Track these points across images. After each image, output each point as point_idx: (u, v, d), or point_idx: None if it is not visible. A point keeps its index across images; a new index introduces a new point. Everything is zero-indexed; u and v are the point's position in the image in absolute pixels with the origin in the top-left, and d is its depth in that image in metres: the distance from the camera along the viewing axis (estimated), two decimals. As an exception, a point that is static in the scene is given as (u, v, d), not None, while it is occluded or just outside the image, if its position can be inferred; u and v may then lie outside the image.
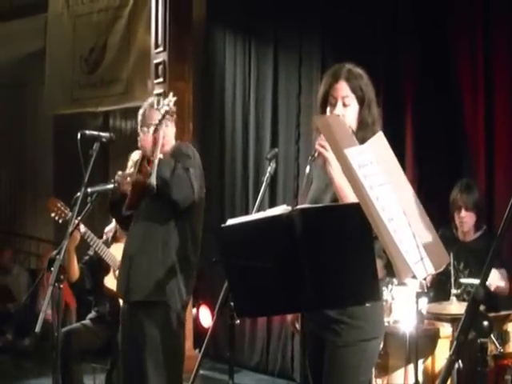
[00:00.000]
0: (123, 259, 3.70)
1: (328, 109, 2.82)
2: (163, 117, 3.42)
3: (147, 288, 3.53)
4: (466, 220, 4.31)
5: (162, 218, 3.54)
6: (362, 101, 2.80)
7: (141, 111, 3.72)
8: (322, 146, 2.62)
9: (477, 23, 5.04)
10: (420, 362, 3.93)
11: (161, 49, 6.46)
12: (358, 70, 2.85)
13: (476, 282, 3.99)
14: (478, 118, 5.02)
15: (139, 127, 3.71)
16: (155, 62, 6.51)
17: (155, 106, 3.53)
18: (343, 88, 2.79)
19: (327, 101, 2.83)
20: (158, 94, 6.32)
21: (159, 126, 3.42)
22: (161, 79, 6.44)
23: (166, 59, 6.42)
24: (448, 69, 5.18)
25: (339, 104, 2.79)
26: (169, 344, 3.54)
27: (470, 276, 4.28)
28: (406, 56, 5.43)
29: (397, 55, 5.48)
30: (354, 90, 2.80)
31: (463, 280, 4.07)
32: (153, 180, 3.35)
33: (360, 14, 5.66)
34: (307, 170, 2.69)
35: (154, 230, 3.55)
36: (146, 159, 3.62)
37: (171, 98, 3.47)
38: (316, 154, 2.67)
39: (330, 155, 2.61)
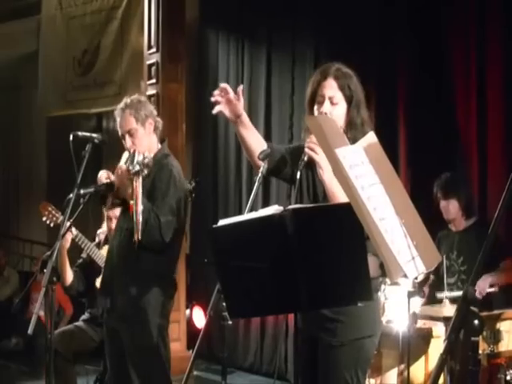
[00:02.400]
0: (104, 272, 3.69)
1: (315, 107, 2.82)
2: (137, 173, 3.33)
3: (129, 306, 3.50)
4: (446, 209, 4.40)
5: None
6: (350, 100, 2.79)
7: (117, 117, 3.66)
8: (312, 149, 2.61)
9: (470, 22, 5.05)
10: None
11: (154, 50, 6.46)
12: (348, 70, 2.84)
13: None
14: (470, 117, 5.03)
15: (120, 134, 3.67)
16: (148, 63, 6.51)
17: (129, 163, 3.43)
18: (331, 86, 2.78)
19: (315, 100, 2.83)
20: (151, 95, 6.33)
21: (135, 178, 3.34)
22: (154, 80, 6.44)
23: (158, 60, 6.42)
24: (441, 68, 5.19)
25: (326, 102, 2.77)
26: (154, 356, 3.52)
27: (463, 264, 4.33)
28: (399, 56, 5.44)
29: (390, 56, 5.49)
30: (342, 89, 2.78)
31: (448, 294, 4.07)
32: (136, 236, 3.32)
33: (353, 15, 5.67)
34: (298, 175, 2.68)
35: (132, 247, 3.48)
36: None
37: (147, 155, 3.40)
38: (306, 158, 2.66)
39: (320, 158, 2.61)
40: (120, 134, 3.66)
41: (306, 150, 2.63)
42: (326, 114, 2.75)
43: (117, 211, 3.89)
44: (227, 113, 2.80)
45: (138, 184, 3.33)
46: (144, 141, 3.60)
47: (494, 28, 4.93)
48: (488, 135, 4.93)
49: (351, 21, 5.68)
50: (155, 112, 3.73)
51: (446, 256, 4.24)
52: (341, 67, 2.83)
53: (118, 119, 3.65)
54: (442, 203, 4.43)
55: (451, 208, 4.42)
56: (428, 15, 5.26)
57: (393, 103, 5.42)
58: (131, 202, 3.37)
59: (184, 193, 3.62)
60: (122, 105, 3.66)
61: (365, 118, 2.81)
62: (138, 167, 3.34)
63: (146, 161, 3.35)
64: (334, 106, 2.77)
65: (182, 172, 3.72)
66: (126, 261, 3.53)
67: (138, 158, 3.38)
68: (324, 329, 2.73)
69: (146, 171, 3.36)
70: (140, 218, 3.30)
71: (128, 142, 3.59)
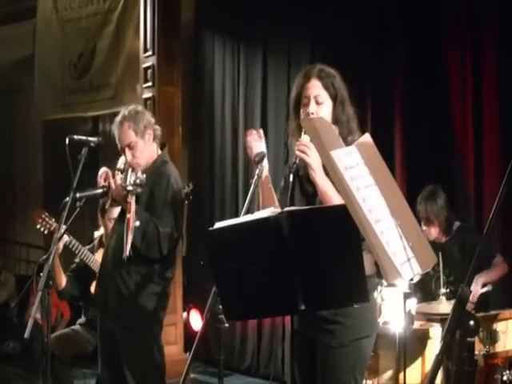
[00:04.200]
0: (99, 278, 3.69)
1: (301, 109, 2.83)
2: (131, 191, 3.34)
3: (125, 312, 3.50)
4: (428, 233, 4.41)
5: None
6: (334, 98, 2.80)
7: (115, 131, 3.64)
8: (302, 151, 2.62)
9: (465, 25, 5.08)
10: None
11: (150, 53, 6.46)
12: (330, 70, 2.85)
13: None
14: (466, 119, 5.05)
15: (119, 147, 3.66)
16: (144, 66, 6.51)
17: (122, 180, 3.44)
18: (315, 86, 2.79)
19: (300, 102, 2.84)
20: (147, 99, 6.34)
21: (130, 195, 3.34)
22: (150, 83, 6.43)
23: (154, 63, 6.42)
24: (437, 72, 5.20)
25: (312, 102, 2.78)
26: (148, 361, 3.53)
27: (449, 275, 4.35)
28: (395, 60, 5.45)
29: (386, 59, 5.50)
30: (326, 87, 2.80)
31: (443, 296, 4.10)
32: (127, 251, 3.33)
33: (349, 17, 5.68)
34: (290, 178, 2.69)
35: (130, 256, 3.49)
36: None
37: (140, 176, 3.39)
38: (297, 161, 2.67)
39: (311, 160, 2.62)
40: (119, 147, 3.62)
41: (297, 152, 2.64)
42: (312, 114, 2.77)
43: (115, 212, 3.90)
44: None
45: (132, 201, 3.35)
46: (144, 152, 3.59)
47: (489, 32, 4.95)
48: (484, 138, 4.94)
49: (347, 23, 5.69)
50: (153, 120, 3.69)
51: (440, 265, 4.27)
52: (323, 67, 2.85)
53: (117, 133, 3.61)
54: (424, 227, 4.40)
55: (433, 232, 4.43)
56: (423, 18, 5.27)
57: (389, 106, 5.43)
58: (128, 216, 3.37)
59: (181, 201, 3.61)
60: (119, 118, 3.62)
61: (350, 114, 2.83)
62: (130, 187, 3.35)
63: (138, 181, 3.36)
64: (320, 106, 2.78)
65: (179, 175, 3.73)
66: (120, 267, 3.53)
67: (131, 178, 3.38)
68: (323, 330, 2.74)
69: (139, 190, 3.37)
70: (130, 236, 3.31)
71: (128, 155, 3.56)
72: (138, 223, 3.32)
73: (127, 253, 3.33)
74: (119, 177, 3.49)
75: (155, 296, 3.55)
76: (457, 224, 4.51)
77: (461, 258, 4.29)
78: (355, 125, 2.80)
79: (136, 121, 3.58)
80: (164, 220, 3.47)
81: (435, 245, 4.46)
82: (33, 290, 6.11)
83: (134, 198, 3.36)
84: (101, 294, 3.62)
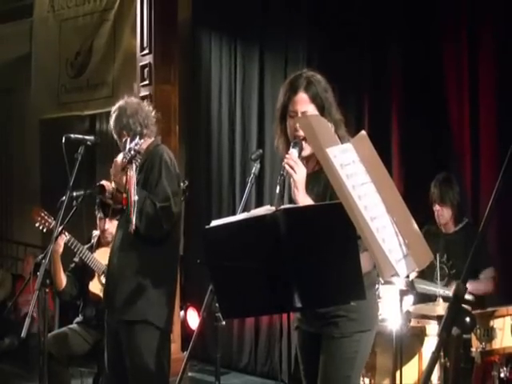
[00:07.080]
0: (108, 273, 3.68)
1: (288, 121, 2.84)
2: (130, 160, 3.33)
3: (133, 308, 3.48)
4: (440, 214, 4.47)
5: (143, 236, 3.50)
6: (322, 108, 2.81)
7: (111, 121, 3.69)
8: (291, 167, 2.63)
9: (462, 26, 5.09)
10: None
11: (146, 51, 6.44)
12: (316, 77, 2.84)
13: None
14: (463, 117, 5.05)
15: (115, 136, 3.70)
16: (141, 64, 6.50)
17: (122, 152, 3.44)
18: (303, 100, 2.80)
19: (286, 113, 2.84)
20: (144, 97, 6.33)
21: (129, 167, 3.33)
22: (147, 82, 6.42)
23: (151, 62, 6.40)
24: (434, 68, 5.21)
25: (299, 115, 2.79)
26: (154, 360, 3.50)
27: (452, 268, 4.37)
28: (392, 58, 5.45)
29: (383, 56, 5.50)
30: (313, 100, 2.80)
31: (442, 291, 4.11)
32: (132, 226, 3.33)
33: (346, 17, 5.68)
34: (277, 190, 2.69)
35: (135, 247, 3.50)
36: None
37: (138, 141, 3.38)
38: (285, 173, 2.67)
39: (297, 177, 2.62)
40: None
41: (286, 167, 2.64)
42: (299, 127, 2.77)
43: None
44: None
45: (132, 174, 3.33)
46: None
47: (487, 32, 4.95)
48: (480, 136, 4.95)
49: (344, 23, 5.69)
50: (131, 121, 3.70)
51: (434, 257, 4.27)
52: (309, 76, 2.83)
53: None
54: (437, 207, 4.50)
55: (445, 213, 4.50)
56: (420, 19, 5.27)
57: (386, 103, 5.43)
58: (124, 195, 3.36)
59: (177, 175, 3.63)
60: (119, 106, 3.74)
61: (337, 119, 2.83)
62: (130, 154, 3.33)
63: (138, 147, 3.35)
64: None
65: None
66: (126, 261, 3.53)
67: (130, 144, 3.38)
68: (328, 324, 2.77)
69: (139, 158, 3.36)
70: (134, 209, 3.29)
71: None
72: (135, 197, 3.31)
73: (133, 226, 3.31)
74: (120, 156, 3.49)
75: (162, 288, 3.52)
76: (465, 220, 4.56)
77: (464, 253, 4.30)
78: (343, 130, 2.80)
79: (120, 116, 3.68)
80: (160, 195, 3.47)
81: (441, 235, 4.50)
82: (29, 288, 6.11)
83: (134, 169, 3.33)
84: (108, 292, 3.61)
